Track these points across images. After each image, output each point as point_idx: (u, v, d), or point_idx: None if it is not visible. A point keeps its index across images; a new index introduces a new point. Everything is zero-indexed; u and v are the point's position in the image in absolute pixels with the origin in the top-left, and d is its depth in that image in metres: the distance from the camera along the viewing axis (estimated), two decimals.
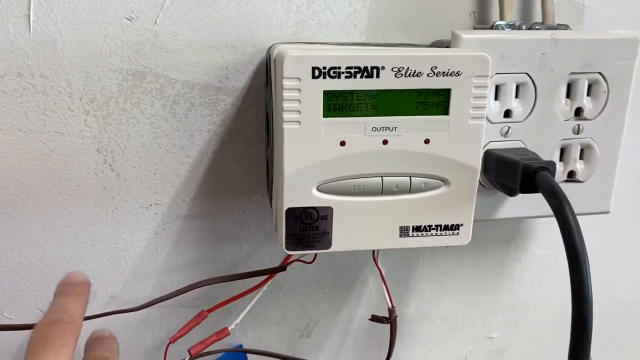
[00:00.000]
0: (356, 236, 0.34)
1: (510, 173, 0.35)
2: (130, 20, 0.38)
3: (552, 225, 0.49)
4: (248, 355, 0.47)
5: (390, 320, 0.38)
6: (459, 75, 0.31)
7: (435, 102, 0.32)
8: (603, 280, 0.52)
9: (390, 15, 0.41)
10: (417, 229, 0.34)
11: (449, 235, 0.34)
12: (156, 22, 0.38)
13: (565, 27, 0.41)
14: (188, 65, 0.39)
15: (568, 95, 0.39)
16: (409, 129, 0.32)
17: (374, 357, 0.49)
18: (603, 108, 0.39)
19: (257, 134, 0.42)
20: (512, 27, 0.40)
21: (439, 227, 0.34)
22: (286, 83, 0.30)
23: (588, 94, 0.39)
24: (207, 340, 0.36)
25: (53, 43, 0.37)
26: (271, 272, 0.37)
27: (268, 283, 0.38)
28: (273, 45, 0.39)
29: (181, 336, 0.36)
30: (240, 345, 0.46)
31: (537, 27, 0.41)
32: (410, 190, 0.33)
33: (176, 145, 0.41)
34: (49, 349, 0.27)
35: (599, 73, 0.38)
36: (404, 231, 0.34)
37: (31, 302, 0.43)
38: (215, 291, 0.40)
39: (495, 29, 0.39)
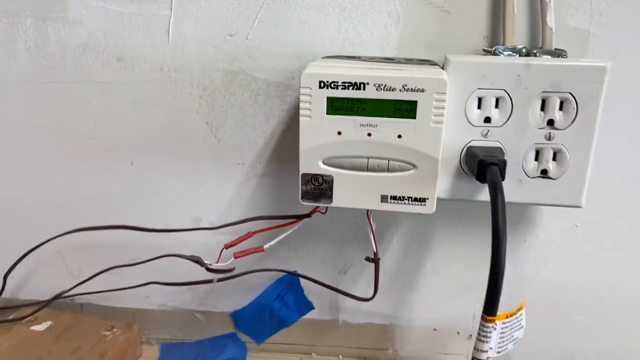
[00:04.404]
0: (350, 198, 0.48)
1: (473, 165, 0.47)
2: (231, 36, 0.56)
3: (554, 215, 0.57)
4: (300, 279, 0.64)
5: (374, 260, 0.52)
6: (423, 91, 0.44)
7: (407, 108, 0.45)
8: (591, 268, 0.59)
9: (417, 37, 0.54)
10: (393, 198, 0.47)
11: (418, 205, 0.47)
12: (247, 37, 0.56)
13: (562, 51, 0.50)
14: (267, 69, 0.56)
15: (543, 108, 0.48)
16: (386, 127, 0.45)
17: (392, 292, 0.63)
18: (573, 120, 0.48)
19: None
20: (511, 50, 0.50)
21: (410, 199, 0.47)
22: (302, 90, 0.45)
23: (561, 109, 0.48)
24: (247, 251, 0.54)
25: (182, 50, 0.57)
26: (300, 217, 0.53)
27: (299, 223, 0.54)
28: (324, 57, 0.54)
29: (232, 245, 0.54)
30: (295, 271, 0.63)
31: (535, 51, 0.50)
32: (388, 169, 0.47)
33: (256, 124, 0.58)
34: None
35: (569, 93, 0.47)
36: (384, 198, 0.48)
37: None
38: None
39: (494, 53, 0.50)
